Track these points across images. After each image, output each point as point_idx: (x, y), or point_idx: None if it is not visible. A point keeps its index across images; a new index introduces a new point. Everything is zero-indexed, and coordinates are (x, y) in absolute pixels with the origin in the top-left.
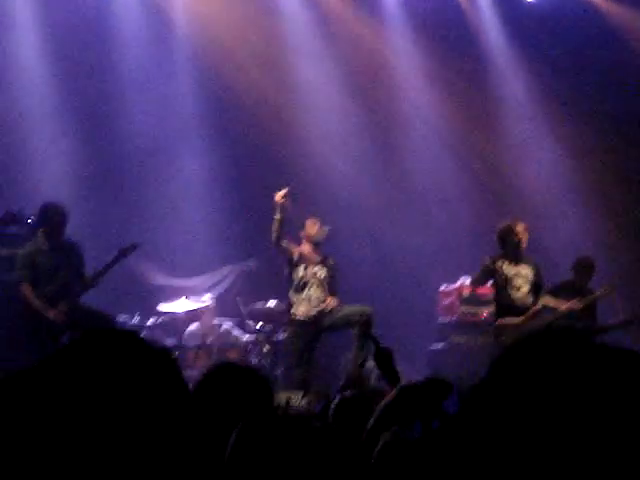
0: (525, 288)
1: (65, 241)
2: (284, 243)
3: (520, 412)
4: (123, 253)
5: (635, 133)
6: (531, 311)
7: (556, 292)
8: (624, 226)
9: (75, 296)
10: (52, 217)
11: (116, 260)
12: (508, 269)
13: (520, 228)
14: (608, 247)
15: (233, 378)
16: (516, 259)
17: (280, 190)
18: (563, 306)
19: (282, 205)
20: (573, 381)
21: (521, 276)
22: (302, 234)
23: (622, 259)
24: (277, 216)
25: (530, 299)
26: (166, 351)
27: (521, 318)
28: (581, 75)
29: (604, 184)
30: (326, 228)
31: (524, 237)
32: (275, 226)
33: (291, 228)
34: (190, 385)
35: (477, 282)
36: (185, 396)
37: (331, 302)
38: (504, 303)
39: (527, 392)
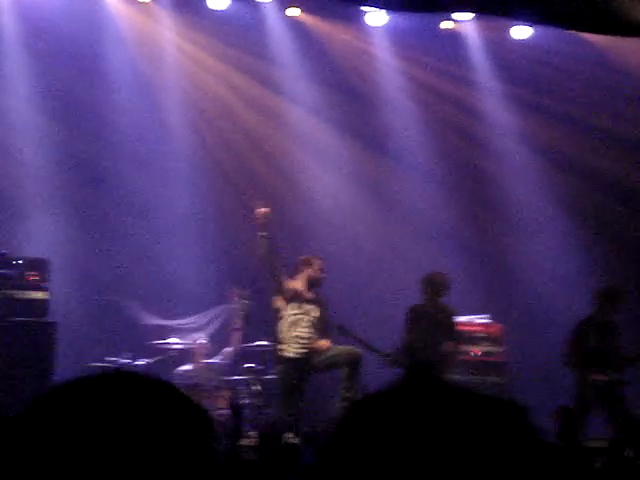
0: None
1: None
2: (279, 273)
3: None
4: None
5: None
6: None
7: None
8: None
9: None
10: None
11: None
12: None
13: None
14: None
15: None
16: None
17: (262, 207)
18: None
19: (263, 222)
20: (423, 431)
21: None
22: (301, 269)
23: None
24: (262, 233)
25: None
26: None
27: None
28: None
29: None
30: (323, 275)
31: None
32: (263, 244)
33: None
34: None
35: None
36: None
37: (324, 344)
38: None
39: (373, 446)
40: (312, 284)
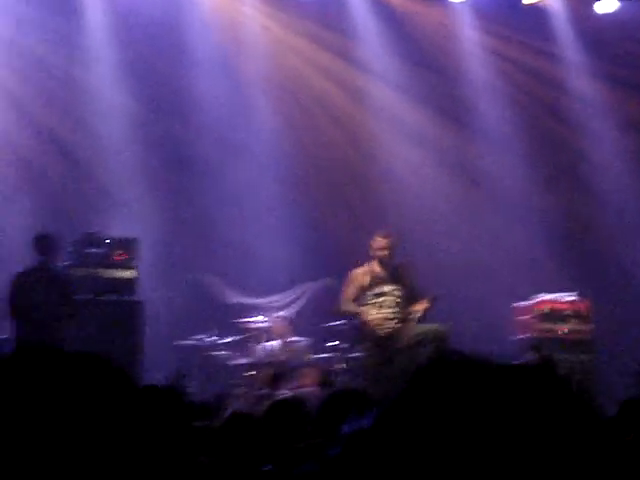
0: None
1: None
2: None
3: (431, 432)
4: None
5: None
6: None
7: None
8: None
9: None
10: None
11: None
12: None
13: None
14: None
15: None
16: None
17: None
18: None
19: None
20: (484, 402)
21: None
22: (371, 252)
23: None
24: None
25: None
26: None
27: None
28: None
29: None
30: (390, 239)
31: None
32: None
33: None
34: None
35: None
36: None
37: (420, 306)
38: None
39: (438, 412)
40: (383, 258)
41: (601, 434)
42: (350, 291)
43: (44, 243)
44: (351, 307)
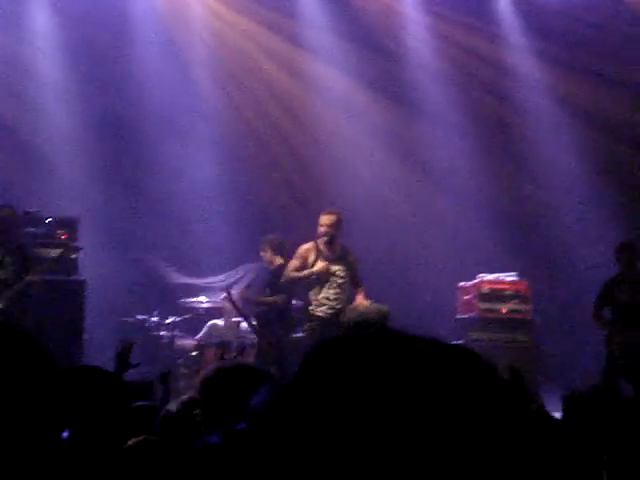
0: None
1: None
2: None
3: (326, 413)
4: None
5: None
6: None
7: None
8: None
9: (9, 299)
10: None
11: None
12: None
13: None
14: None
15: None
16: None
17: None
18: None
19: (326, 232)
20: (384, 379)
21: None
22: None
23: None
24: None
25: None
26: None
27: None
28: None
29: None
30: (334, 216)
31: None
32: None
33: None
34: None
35: None
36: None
37: (360, 302)
38: None
39: (334, 393)
40: (330, 237)
41: (520, 427)
42: (294, 264)
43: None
44: (295, 274)
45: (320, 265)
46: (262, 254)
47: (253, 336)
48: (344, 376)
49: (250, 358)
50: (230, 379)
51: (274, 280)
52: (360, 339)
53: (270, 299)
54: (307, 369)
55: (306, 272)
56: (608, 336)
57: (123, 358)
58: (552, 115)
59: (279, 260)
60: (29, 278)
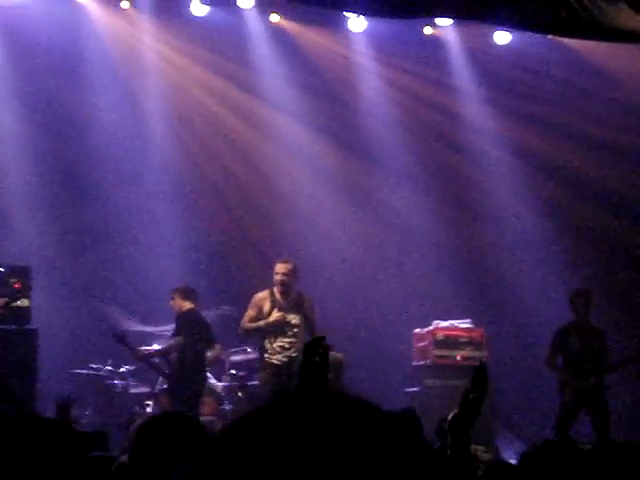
0: None
1: None
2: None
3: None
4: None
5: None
6: None
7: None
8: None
9: None
10: None
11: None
12: None
13: None
14: None
15: (170, 427)
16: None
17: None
18: None
19: (281, 280)
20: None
21: None
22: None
23: None
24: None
25: None
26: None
27: None
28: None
29: None
30: (290, 264)
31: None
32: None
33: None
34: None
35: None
36: None
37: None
38: None
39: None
40: (284, 285)
41: None
42: (250, 314)
43: None
44: (251, 325)
45: (275, 315)
46: (171, 303)
47: (208, 385)
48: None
49: (204, 408)
50: (158, 432)
51: (182, 323)
52: (289, 404)
53: (164, 347)
54: (217, 448)
55: (261, 323)
56: (561, 383)
57: (63, 413)
58: (504, 163)
59: (188, 305)
60: None
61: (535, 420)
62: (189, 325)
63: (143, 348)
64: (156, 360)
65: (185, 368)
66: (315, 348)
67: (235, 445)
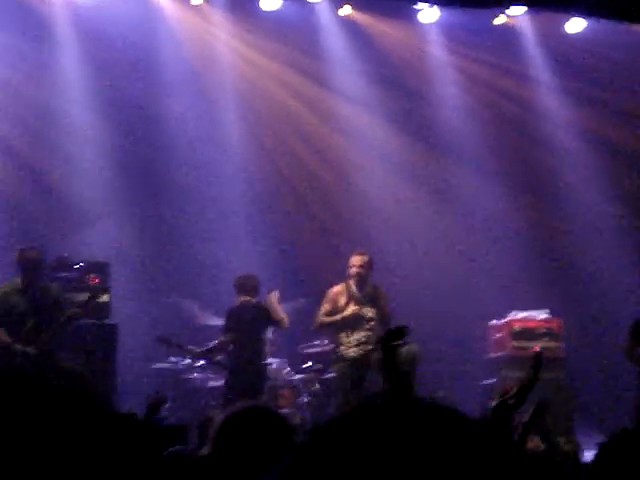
0: None
1: (40, 284)
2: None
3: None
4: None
5: None
6: None
7: None
8: None
9: (44, 342)
10: (27, 260)
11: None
12: None
13: None
14: None
15: (255, 421)
16: None
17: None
18: None
19: (357, 273)
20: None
21: None
22: (347, 271)
23: None
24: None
25: None
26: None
27: None
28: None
29: None
30: (365, 257)
31: None
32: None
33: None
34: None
35: None
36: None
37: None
38: None
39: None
40: (360, 278)
41: None
42: (326, 308)
43: (31, 260)
44: (327, 319)
45: (351, 310)
46: None
47: (285, 378)
48: (350, 452)
49: (281, 401)
50: (243, 427)
51: (227, 320)
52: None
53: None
54: (311, 448)
55: (338, 317)
56: None
57: (154, 411)
58: (579, 151)
59: (242, 298)
60: (63, 319)
61: (616, 411)
62: (233, 322)
63: (191, 347)
64: (215, 356)
65: (239, 362)
66: (393, 340)
67: (322, 453)
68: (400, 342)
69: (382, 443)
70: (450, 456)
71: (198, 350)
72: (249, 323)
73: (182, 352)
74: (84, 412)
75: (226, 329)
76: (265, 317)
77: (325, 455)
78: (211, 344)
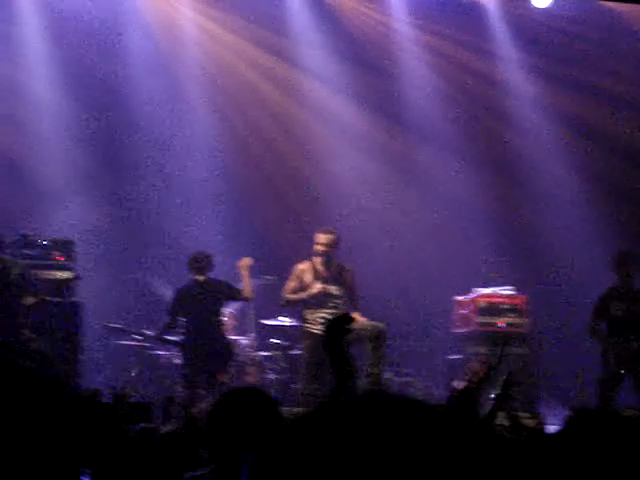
0: None
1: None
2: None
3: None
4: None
5: None
6: None
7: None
8: None
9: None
10: None
11: None
12: None
13: None
14: None
15: (244, 403)
16: None
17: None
18: None
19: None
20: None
21: None
22: (314, 248)
23: None
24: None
25: None
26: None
27: None
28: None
29: None
30: (331, 235)
31: None
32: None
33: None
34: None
35: None
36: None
37: (356, 318)
38: None
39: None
40: (326, 255)
41: None
42: (292, 284)
43: None
44: (293, 296)
45: (317, 287)
46: None
47: (252, 355)
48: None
49: (248, 377)
50: (237, 405)
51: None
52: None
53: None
54: (289, 443)
55: (303, 295)
56: (603, 350)
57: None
58: (545, 129)
59: (191, 276)
60: (28, 300)
61: (580, 387)
62: (179, 303)
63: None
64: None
65: (196, 341)
66: (338, 327)
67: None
68: (345, 329)
69: (346, 440)
70: (414, 449)
71: (150, 333)
72: (200, 301)
73: (134, 335)
74: (46, 394)
75: (171, 310)
76: (222, 292)
77: (293, 455)
78: (161, 326)
